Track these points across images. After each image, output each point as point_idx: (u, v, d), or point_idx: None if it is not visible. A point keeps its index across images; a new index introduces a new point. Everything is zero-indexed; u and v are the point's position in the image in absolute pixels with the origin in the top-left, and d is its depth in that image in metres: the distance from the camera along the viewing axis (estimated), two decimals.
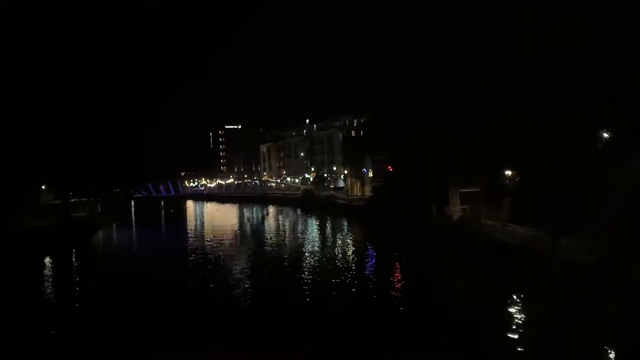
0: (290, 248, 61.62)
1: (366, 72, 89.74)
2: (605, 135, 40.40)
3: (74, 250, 63.36)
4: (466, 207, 57.23)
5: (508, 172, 51.03)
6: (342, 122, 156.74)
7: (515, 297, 32.81)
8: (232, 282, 42.81)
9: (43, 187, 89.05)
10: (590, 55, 35.43)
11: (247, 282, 43.09)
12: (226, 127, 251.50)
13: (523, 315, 29.53)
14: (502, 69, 43.61)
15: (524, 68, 41.07)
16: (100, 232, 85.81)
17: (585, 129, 38.77)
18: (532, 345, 24.50)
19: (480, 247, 44.89)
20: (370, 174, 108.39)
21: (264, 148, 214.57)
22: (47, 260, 56.84)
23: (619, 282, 25.70)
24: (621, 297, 24.30)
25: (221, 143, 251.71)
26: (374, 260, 52.13)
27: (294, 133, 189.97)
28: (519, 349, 24.57)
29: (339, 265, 48.06)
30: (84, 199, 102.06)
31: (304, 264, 49.41)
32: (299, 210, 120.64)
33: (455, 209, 58.99)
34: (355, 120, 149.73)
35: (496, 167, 50.79)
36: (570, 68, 36.99)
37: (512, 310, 30.75)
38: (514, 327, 27.56)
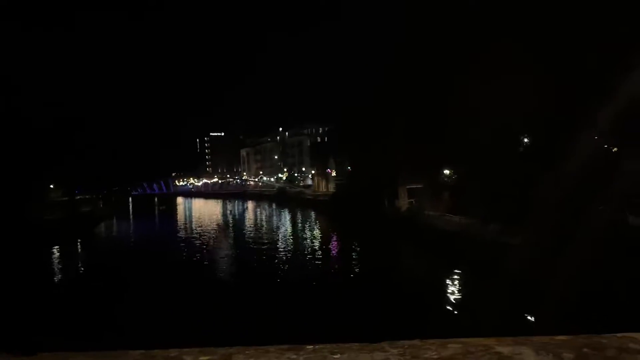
0: (266, 232, 62.09)
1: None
2: (526, 140, 42.98)
3: (79, 240, 63.38)
4: (412, 200, 56.92)
5: (446, 171, 53.81)
6: (310, 129, 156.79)
7: (454, 272, 32.40)
8: (222, 261, 42.46)
9: (51, 186, 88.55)
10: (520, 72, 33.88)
11: (234, 258, 43.66)
12: (211, 134, 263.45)
13: (460, 287, 29.01)
14: (441, 87, 44.25)
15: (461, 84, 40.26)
16: (102, 224, 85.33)
17: (510, 135, 40.30)
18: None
19: (423, 232, 44.95)
20: (334, 173, 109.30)
21: (243, 152, 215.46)
22: (60, 245, 56.48)
23: (532, 257, 26.93)
24: (530, 268, 25.60)
25: (207, 148, 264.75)
26: (335, 242, 52.26)
27: (269, 139, 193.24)
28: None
29: (308, 244, 49.39)
30: (87, 196, 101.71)
31: (279, 247, 49.56)
32: (273, 204, 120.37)
33: (404, 202, 58.75)
34: (321, 128, 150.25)
35: (437, 166, 52.09)
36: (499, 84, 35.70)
37: (449, 281, 30.33)
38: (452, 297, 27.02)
